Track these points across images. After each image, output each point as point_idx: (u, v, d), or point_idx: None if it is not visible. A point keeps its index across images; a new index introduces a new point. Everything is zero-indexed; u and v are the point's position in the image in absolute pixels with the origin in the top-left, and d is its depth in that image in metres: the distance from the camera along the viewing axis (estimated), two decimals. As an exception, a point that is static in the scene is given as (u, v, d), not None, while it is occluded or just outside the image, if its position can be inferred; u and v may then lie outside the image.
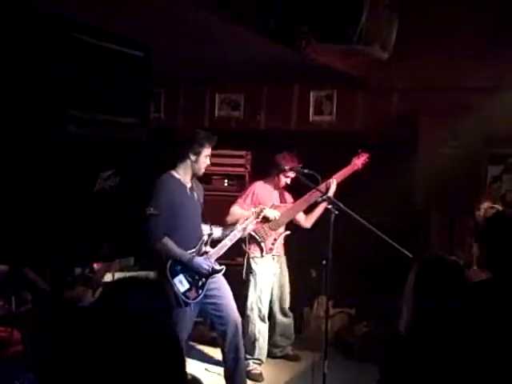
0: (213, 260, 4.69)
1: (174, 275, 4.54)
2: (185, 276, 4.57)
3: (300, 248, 5.75)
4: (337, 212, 4.98)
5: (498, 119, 5.69)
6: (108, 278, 5.59)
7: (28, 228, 2.44)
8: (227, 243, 4.79)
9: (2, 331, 5.49)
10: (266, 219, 5.37)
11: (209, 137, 4.75)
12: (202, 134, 4.77)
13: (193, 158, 4.65)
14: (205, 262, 4.61)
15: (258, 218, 5.02)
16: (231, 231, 4.82)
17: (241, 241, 5.20)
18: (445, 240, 5.90)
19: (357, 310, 6.43)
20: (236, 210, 5.37)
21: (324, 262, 4.91)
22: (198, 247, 4.66)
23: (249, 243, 5.40)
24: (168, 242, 4.48)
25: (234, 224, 4.99)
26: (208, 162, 4.74)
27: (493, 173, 5.97)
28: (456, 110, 5.81)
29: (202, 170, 4.76)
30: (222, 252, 4.76)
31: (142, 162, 2.98)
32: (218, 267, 4.74)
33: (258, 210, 5.01)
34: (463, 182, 5.71)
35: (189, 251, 4.60)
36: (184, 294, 4.54)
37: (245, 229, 4.85)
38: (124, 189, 2.77)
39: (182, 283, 4.55)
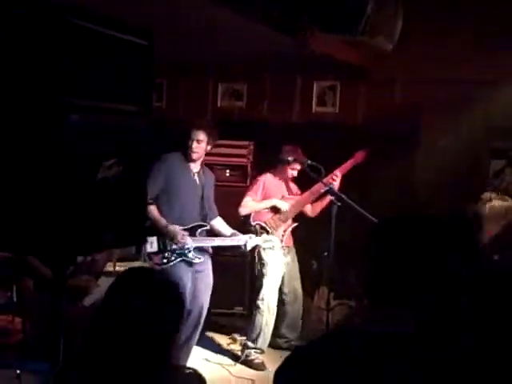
0: (195, 244, 4.87)
1: (149, 235, 4.76)
2: (158, 240, 4.82)
3: (301, 240, 5.74)
4: (339, 204, 4.99)
5: (500, 113, 5.67)
6: (109, 266, 5.60)
7: (30, 217, 2.43)
8: (220, 242, 5.05)
9: (2, 320, 5.49)
10: (276, 211, 5.38)
11: (197, 122, 4.99)
12: (193, 120, 5.07)
13: (186, 144, 4.91)
14: (180, 233, 4.80)
15: (263, 243, 5.20)
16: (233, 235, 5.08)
17: (249, 231, 5.29)
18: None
19: (357, 301, 6.43)
20: (249, 203, 5.41)
21: (325, 253, 4.92)
22: (189, 227, 4.87)
23: (259, 234, 5.40)
24: (152, 209, 4.73)
25: (248, 216, 5.31)
26: (197, 146, 4.88)
27: (495, 167, 5.95)
28: (458, 103, 5.79)
29: (193, 155, 4.92)
30: (207, 243, 4.99)
31: (145, 151, 2.96)
32: (196, 254, 4.90)
33: (267, 237, 5.23)
34: (465, 175, 5.71)
35: (180, 228, 4.83)
36: (149, 254, 4.84)
37: (240, 242, 5.03)
38: (126, 178, 2.75)
39: (152, 245, 4.81)
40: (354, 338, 1.60)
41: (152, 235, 4.82)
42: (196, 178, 5.03)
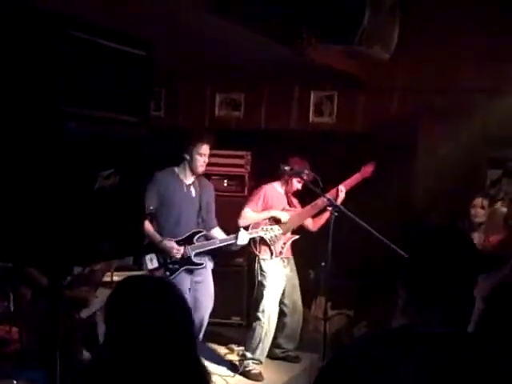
0: (194, 252, 4.94)
1: (147, 253, 4.88)
2: (157, 256, 4.90)
3: (299, 249, 5.74)
4: (336, 214, 4.98)
5: (498, 122, 5.68)
6: (107, 277, 5.58)
7: (27, 226, 2.43)
8: (216, 243, 5.07)
9: (0, 329, 5.48)
10: (277, 221, 5.38)
11: (200, 136, 5.00)
12: (194, 134, 5.09)
13: (187, 156, 4.97)
14: (174, 247, 4.86)
15: (265, 234, 5.23)
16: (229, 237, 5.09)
17: (249, 243, 5.31)
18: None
19: (355, 311, 6.42)
20: (249, 214, 5.37)
21: (323, 263, 4.91)
22: (185, 238, 4.94)
23: (259, 245, 5.39)
24: (146, 224, 4.72)
25: (247, 227, 5.28)
26: (205, 160, 4.97)
27: (492, 176, 5.96)
28: (456, 112, 5.80)
29: (200, 168, 5.00)
30: (205, 248, 5.03)
31: (142, 161, 2.96)
32: (197, 260, 4.99)
33: (268, 227, 5.23)
34: (462, 184, 5.71)
35: (174, 239, 4.92)
36: (150, 271, 4.88)
37: (236, 242, 5.07)
38: (124, 188, 2.75)
39: (151, 261, 4.89)
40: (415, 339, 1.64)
41: (150, 252, 4.88)
42: (191, 189, 5.07)
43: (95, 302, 4.81)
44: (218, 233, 5.18)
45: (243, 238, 5.06)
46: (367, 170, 5.42)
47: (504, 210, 5.06)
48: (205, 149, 4.94)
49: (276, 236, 5.35)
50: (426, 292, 1.72)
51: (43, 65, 2.40)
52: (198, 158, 4.93)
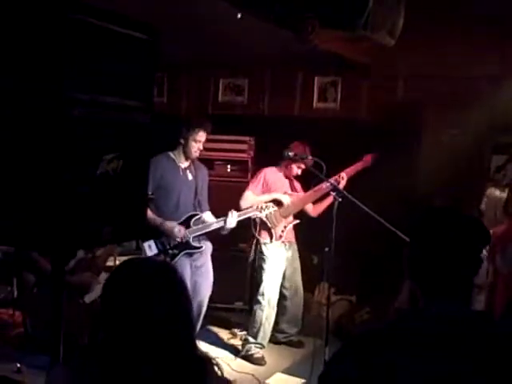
0: (192, 235, 4.95)
1: (145, 240, 4.88)
2: (155, 242, 4.91)
3: (302, 235, 5.74)
4: (340, 199, 4.97)
5: (502, 108, 5.66)
6: (110, 261, 5.60)
7: (30, 210, 2.43)
8: (214, 225, 5.05)
9: (3, 313, 5.51)
10: (279, 204, 5.37)
11: (198, 123, 5.02)
12: (192, 120, 5.07)
13: (182, 141, 4.99)
14: (177, 228, 4.89)
15: (260, 212, 5.18)
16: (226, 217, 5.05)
17: (249, 226, 5.32)
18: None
19: (358, 297, 6.43)
20: (250, 196, 5.38)
21: (327, 248, 4.91)
22: (182, 221, 4.95)
23: (259, 229, 5.39)
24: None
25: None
26: (199, 147, 4.98)
27: (497, 162, 5.94)
28: (460, 99, 5.78)
29: (194, 154, 5.03)
30: (204, 231, 5.03)
31: (145, 146, 2.96)
32: (196, 244, 5.00)
33: (261, 205, 5.19)
34: (467, 170, 5.70)
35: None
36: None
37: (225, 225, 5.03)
38: (127, 172, 2.75)
39: (150, 248, 4.89)
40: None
41: (148, 239, 4.89)
42: (187, 173, 5.09)
43: (98, 287, 4.82)
44: (208, 216, 5.18)
45: (231, 221, 5.04)
46: (368, 159, 5.41)
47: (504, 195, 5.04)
48: (201, 135, 4.96)
49: (275, 218, 5.36)
50: (431, 278, 1.70)
51: (48, 50, 2.40)
52: (194, 144, 4.96)
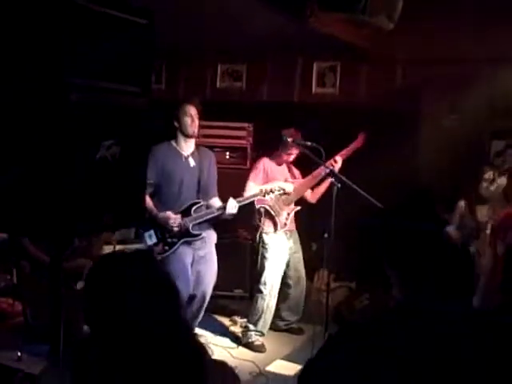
0: (191, 223, 4.92)
1: (146, 229, 4.88)
2: (155, 231, 4.89)
3: (301, 221, 5.72)
4: (339, 185, 4.96)
5: (502, 93, 5.63)
6: (108, 249, 5.58)
7: (29, 197, 2.41)
8: (213, 212, 5.00)
9: (3, 302, 5.50)
10: (282, 192, 5.36)
11: (185, 99, 5.09)
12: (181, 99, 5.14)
13: (176, 124, 4.97)
14: (170, 218, 4.84)
15: (263, 196, 5.16)
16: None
17: (250, 213, 5.30)
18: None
19: (357, 283, 6.43)
20: (253, 187, 5.34)
21: (326, 235, 4.90)
22: (182, 210, 4.92)
23: (263, 218, 5.38)
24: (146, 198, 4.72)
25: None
26: (193, 121, 4.93)
27: (496, 147, 5.92)
28: (459, 84, 5.75)
29: (190, 129, 4.97)
30: (202, 219, 4.98)
31: (143, 132, 2.94)
32: (194, 232, 4.96)
33: (267, 188, 5.14)
34: (466, 155, 5.67)
35: (172, 211, 4.88)
36: (150, 247, 4.85)
37: (235, 206, 4.98)
38: (125, 159, 2.73)
39: (150, 237, 4.88)
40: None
41: (149, 228, 4.86)
42: (190, 160, 5.03)
43: None
44: (216, 202, 5.13)
45: (231, 206, 5.00)
46: (359, 140, 5.39)
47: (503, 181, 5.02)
48: (191, 109, 4.92)
49: (279, 206, 5.35)
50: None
51: (46, 36, 2.37)
52: (186, 118, 4.92)
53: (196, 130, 4.98)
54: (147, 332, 1.75)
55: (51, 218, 2.40)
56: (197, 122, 4.96)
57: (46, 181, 2.38)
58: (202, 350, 1.91)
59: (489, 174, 5.04)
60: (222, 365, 2.05)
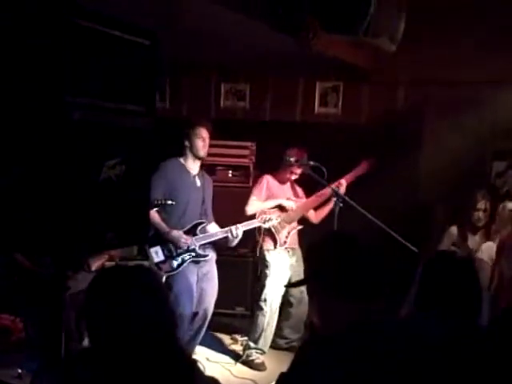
0: (198, 243, 4.95)
1: (152, 245, 4.86)
2: (162, 248, 4.88)
3: (304, 239, 5.73)
4: (341, 204, 4.98)
5: (503, 114, 5.66)
6: (110, 265, 5.58)
7: (33, 217, 2.43)
8: (219, 234, 5.06)
9: (4, 318, 5.49)
10: (283, 210, 5.38)
11: (197, 120, 5.09)
12: (193, 119, 5.20)
13: (187, 143, 4.98)
14: (183, 237, 4.87)
15: (264, 223, 5.20)
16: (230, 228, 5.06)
17: (253, 232, 5.32)
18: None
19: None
20: (255, 202, 5.39)
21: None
22: (188, 228, 4.95)
23: (263, 235, 5.39)
24: (153, 214, 4.74)
25: (253, 215, 5.28)
26: (204, 144, 4.98)
27: (497, 168, 5.94)
28: (461, 105, 5.78)
29: (201, 152, 5.01)
30: (210, 239, 5.03)
31: (148, 151, 2.96)
32: (202, 252, 4.98)
33: (265, 217, 5.19)
34: (467, 176, 5.69)
35: (176, 229, 4.90)
36: (157, 264, 4.83)
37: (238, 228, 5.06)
38: (129, 178, 2.75)
39: (157, 254, 4.87)
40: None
41: (155, 244, 4.86)
42: (196, 180, 5.07)
43: (73, 283, 4.69)
44: (213, 228, 5.18)
45: (237, 233, 5.06)
46: (364, 165, 5.41)
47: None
48: (203, 131, 4.97)
49: (279, 223, 5.36)
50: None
51: (48, 54, 2.40)
52: (198, 141, 4.95)
53: (206, 152, 5.04)
54: (141, 344, 1.78)
55: (54, 236, 2.42)
56: (207, 144, 5.01)
57: (48, 200, 2.40)
58: (193, 364, 1.94)
59: (481, 204, 5.03)
60: (212, 380, 2.07)
